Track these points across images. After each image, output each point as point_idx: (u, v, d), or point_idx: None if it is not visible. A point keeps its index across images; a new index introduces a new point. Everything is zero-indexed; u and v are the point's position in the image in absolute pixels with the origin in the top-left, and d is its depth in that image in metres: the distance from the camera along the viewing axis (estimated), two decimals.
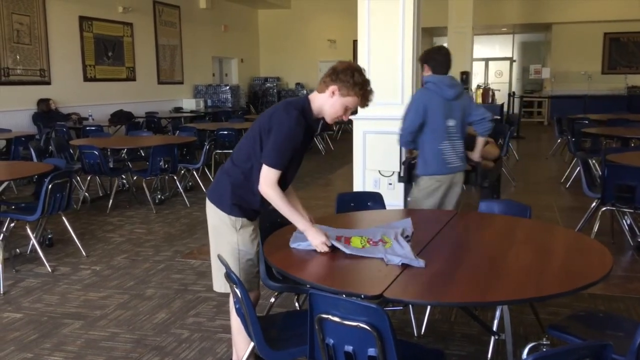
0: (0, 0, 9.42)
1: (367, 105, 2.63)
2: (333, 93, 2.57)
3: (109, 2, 11.79)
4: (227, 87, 15.02)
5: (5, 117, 9.28)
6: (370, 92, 2.60)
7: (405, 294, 2.11)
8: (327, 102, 2.60)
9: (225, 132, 8.51)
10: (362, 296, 2.03)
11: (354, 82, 2.54)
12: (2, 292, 4.05)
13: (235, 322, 2.65)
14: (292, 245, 2.53)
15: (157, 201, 6.83)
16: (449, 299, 2.16)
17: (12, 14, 9.64)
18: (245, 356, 2.64)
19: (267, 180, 2.54)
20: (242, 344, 2.70)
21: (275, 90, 17.10)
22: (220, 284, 2.69)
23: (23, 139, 7.51)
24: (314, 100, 2.63)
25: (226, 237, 2.67)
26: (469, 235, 2.88)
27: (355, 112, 2.73)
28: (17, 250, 4.95)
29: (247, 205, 2.68)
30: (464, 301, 2.24)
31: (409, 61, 5.29)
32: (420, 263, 2.28)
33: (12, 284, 4.24)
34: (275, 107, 2.63)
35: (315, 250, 2.47)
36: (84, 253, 4.89)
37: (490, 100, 13.79)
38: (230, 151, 8.84)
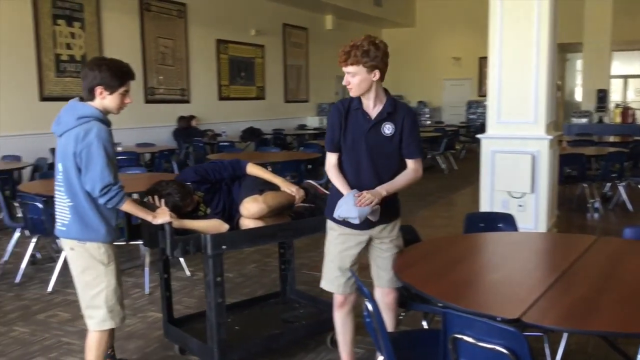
0: (150, 26, 10.34)
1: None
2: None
3: (244, 25, 12.50)
4: None
5: (150, 133, 10.12)
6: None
7: (545, 320, 2.03)
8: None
9: None
10: (498, 319, 1.99)
11: None
12: (147, 292, 4.42)
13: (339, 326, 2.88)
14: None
15: None
16: (592, 328, 2.05)
17: (158, 38, 10.53)
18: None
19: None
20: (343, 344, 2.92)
21: None
22: (324, 283, 2.86)
23: (166, 152, 8.15)
24: None
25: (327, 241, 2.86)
26: (613, 262, 2.71)
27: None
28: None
29: None
30: (607, 330, 2.12)
31: (544, 79, 5.10)
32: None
33: (156, 285, 4.59)
34: None
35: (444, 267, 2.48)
36: None
37: (630, 120, 12.86)
38: None
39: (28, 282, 4.74)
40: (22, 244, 5.26)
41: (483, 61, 16.19)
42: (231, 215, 3.21)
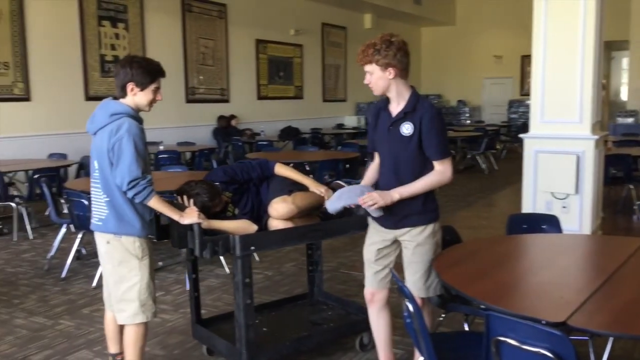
0: (191, 27, 10.50)
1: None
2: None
3: (283, 25, 12.58)
4: None
5: (190, 132, 10.29)
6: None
7: (591, 324, 1.99)
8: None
9: None
10: (543, 322, 1.95)
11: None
12: (188, 289, 4.47)
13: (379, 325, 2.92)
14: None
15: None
16: (639, 332, 1.99)
17: (199, 39, 10.69)
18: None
19: None
20: (388, 346, 2.95)
21: None
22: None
23: (206, 151, 8.26)
24: None
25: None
26: None
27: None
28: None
29: None
30: None
31: (589, 77, 4.97)
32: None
33: None
34: None
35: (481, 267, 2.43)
36: (257, 258, 5.24)
37: None
38: None
39: (73, 277, 4.87)
40: (68, 239, 5.41)
41: (525, 59, 15.89)
42: (259, 215, 3.19)
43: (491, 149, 11.80)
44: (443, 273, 2.45)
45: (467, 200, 8.23)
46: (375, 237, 2.81)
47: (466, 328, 3.10)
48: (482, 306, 2.22)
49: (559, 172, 5.08)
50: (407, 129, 2.60)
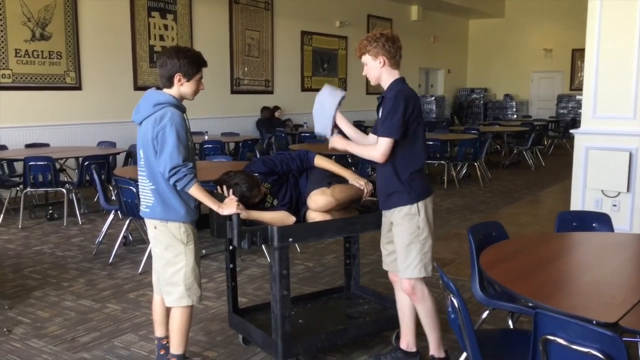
0: (238, 18, 10.59)
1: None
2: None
3: (328, 17, 12.56)
4: (433, 98, 15.03)
5: (234, 122, 10.40)
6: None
7: None
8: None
9: (431, 142, 8.52)
10: (594, 322, 1.90)
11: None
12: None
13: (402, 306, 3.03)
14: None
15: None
16: None
17: (246, 30, 10.77)
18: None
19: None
20: (408, 328, 3.04)
21: (481, 102, 16.66)
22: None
23: (249, 142, 8.34)
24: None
25: None
26: None
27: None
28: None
29: None
30: None
31: None
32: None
33: (239, 271, 4.72)
34: None
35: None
36: (298, 249, 5.27)
37: None
38: (433, 160, 8.76)
39: (120, 262, 5.00)
40: (115, 225, 5.55)
41: (576, 53, 15.46)
42: (298, 207, 3.18)
43: (538, 145, 11.53)
44: (490, 269, 2.40)
45: (512, 197, 8.07)
46: (383, 220, 2.97)
47: (511, 326, 3.05)
48: (530, 304, 2.17)
49: (610, 169, 4.93)
50: (381, 112, 2.78)
